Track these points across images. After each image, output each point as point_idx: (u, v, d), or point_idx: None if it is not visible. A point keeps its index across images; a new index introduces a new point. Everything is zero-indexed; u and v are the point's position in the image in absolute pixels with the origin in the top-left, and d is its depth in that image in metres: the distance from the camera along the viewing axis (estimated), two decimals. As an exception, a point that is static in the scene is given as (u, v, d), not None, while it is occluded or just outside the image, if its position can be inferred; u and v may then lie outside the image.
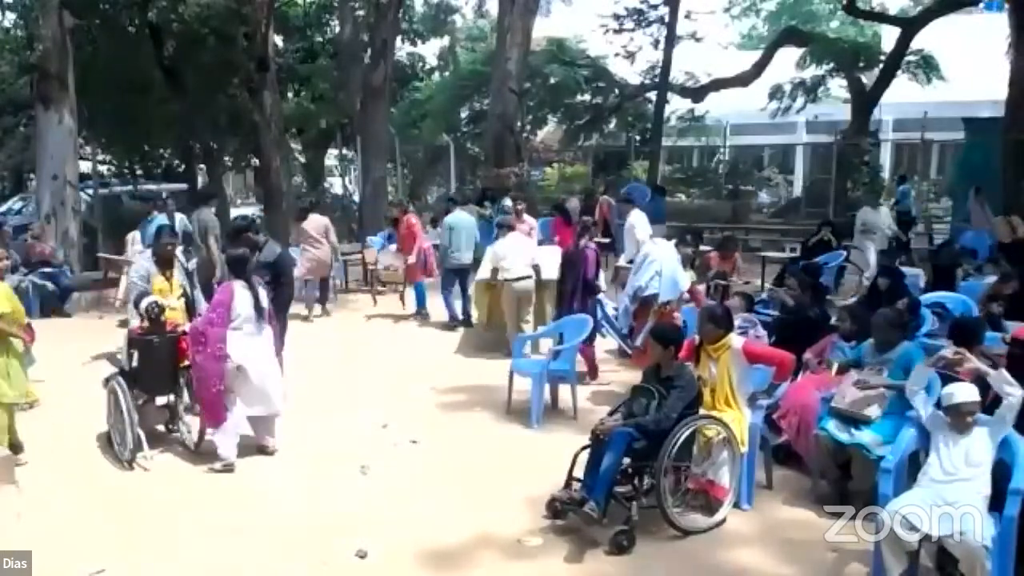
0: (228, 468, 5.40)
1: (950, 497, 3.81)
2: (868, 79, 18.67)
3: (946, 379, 4.84)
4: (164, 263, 6.21)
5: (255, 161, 20.88)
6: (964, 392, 4.05)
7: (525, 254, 8.29)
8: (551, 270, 8.04)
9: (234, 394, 5.46)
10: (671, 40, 18.98)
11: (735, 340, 5.01)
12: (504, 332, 8.29)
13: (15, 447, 5.41)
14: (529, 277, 8.10)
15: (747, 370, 4.99)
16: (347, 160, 26.12)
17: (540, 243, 10.54)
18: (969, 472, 3.92)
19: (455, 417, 6.55)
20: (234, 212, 18.15)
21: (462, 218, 10.29)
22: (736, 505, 4.79)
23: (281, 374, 6.00)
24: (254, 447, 5.74)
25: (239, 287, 5.56)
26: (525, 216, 10.88)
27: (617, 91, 21.53)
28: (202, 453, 5.70)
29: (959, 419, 4.00)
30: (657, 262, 7.12)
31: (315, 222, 10.57)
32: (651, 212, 10.78)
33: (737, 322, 5.76)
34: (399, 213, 11.24)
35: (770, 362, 5.05)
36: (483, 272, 8.69)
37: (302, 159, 25.75)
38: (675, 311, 6.97)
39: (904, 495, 3.96)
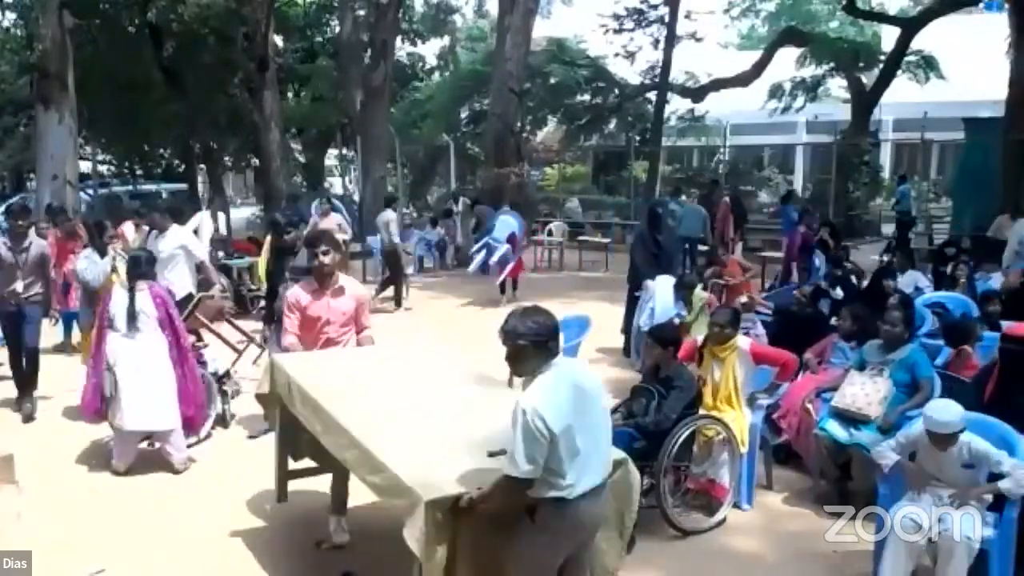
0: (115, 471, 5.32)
1: (950, 498, 3.81)
2: (868, 79, 18.68)
3: (947, 380, 4.85)
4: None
5: (255, 161, 20.93)
6: (947, 413, 3.77)
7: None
8: None
9: (115, 401, 5.24)
10: (671, 40, 19.00)
11: (742, 341, 5.04)
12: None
13: None
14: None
15: (752, 371, 5.01)
16: (347, 160, 26.17)
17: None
18: (966, 473, 3.89)
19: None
20: (234, 212, 18.19)
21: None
22: (736, 505, 4.79)
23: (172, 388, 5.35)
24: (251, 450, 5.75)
25: (117, 287, 5.45)
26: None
27: (617, 91, 21.53)
28: (206, 452, 5.72)
29: (941, 442, 3.79)
30: (652, 301, 7.41)
31: None
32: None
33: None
34: (46, 227, 8.33)
35: (775, 363, 5.04)
36: (264, 383, 4.28)
37: (302, 159, 25.79)
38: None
39: (906, 496, 3.95)
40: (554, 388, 2.81)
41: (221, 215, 11.11)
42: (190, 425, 5.55)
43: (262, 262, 8.29)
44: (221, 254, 10.41)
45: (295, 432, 4.18)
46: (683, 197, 13.59)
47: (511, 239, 10.98)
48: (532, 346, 2.87)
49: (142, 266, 5.52)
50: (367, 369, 4.26)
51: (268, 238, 8.04)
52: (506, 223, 11.20)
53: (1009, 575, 3.78)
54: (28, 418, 6.39)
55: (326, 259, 4.56)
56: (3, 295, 6.26)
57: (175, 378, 5.38)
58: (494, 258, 10.92)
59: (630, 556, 4.26)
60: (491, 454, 3.04)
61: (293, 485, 4.60)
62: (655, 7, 19.80)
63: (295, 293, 4.68)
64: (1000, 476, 3.75)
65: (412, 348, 5.12)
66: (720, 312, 5.25)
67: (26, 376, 6.53)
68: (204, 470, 5.48)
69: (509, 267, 11.02)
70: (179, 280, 6.83)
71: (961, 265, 8.21)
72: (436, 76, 27.41)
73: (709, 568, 4.27)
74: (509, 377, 4.44)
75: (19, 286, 6.28)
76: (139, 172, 23.34)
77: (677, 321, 6.81)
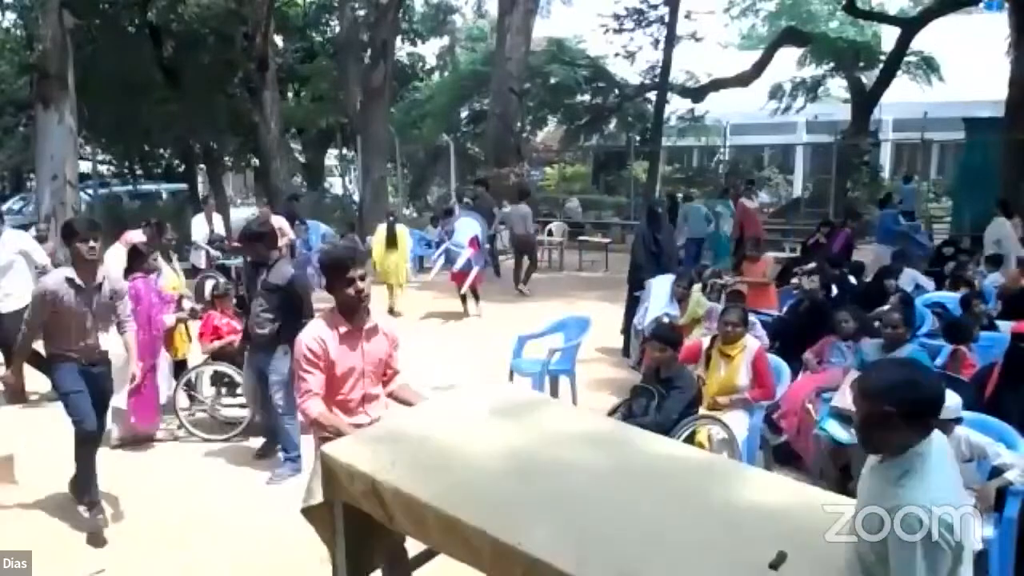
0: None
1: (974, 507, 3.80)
2: (868, 79, 18.70)
3: (947, 380, 4.83)
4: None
5: (255, 161, 20.92)
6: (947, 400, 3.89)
7: None
8: None
9: None
10: (671, 40, 19.01)
11: (751, 341, 5.06)
12: None
13: None
14: None
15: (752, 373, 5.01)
16: (347, 160, 26.17)
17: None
18: (966, 469, 3.89)
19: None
20: (234, 212, 18.20)
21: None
22: (736, 505, 4.77)
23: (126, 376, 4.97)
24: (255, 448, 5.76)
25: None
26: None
27: (617, 91, 21.57)
28: (206, 451, 5.75)
29: (942, 428, 3.87)
30: (647, 302, 7.41)
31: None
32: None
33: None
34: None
35: (762, 382, 5.02)
36: (314, 491, 3.05)
37: (302, 159, 25.79)
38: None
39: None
40: (945, 478, 2.19)
41: (217, 216, 11.00)
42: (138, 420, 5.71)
43: None
44: (219, 254, 10.37)
45: (368, 550, 3.11)
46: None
47: (473, 243, 10.06)
48: (903, 420, 2.16)
49: (138, 259, 5.69)
50: (500, 449, 2.95)
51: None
52: (468, 226, 10.33)
53: (1009, 575, 3.78)
54: (96, 539, 4.43)
55: (363, 285, 3.25)
56: (72, 355, 4.40)
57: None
58: (456, 266, 10.04)
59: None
60: (772, 566, 2.31)
61: (301, 487, 4.60)
62: (655, 7, 19.83)
63: (316, 334, 3.24)
64: (1000, 470, 3.76)
65: (504, 401, 3.52)
66: (731, 311, 5.26)
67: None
68: (208, 471, 5.49)
69: (473, 274, 10.07)
70: (18, 288, 6.09)
71: (970, 266, 8.23)
72: (436, 76, 27.43)
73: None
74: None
75: (92, 339, 4.44)
76: (139, 172, 23.32)
77: (666, 320, 6.80)
